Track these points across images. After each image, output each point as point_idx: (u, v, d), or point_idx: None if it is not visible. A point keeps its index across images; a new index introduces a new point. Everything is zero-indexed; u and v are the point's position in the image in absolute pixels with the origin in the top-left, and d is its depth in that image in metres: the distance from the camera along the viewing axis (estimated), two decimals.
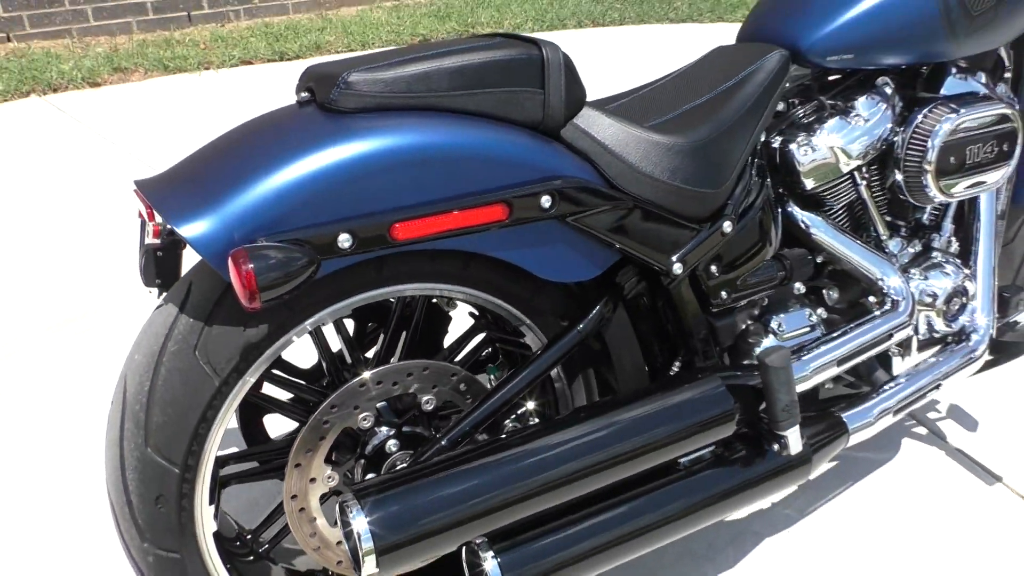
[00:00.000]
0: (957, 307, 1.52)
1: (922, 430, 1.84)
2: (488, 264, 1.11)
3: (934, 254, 1.54)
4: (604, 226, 1.13)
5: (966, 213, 1.63)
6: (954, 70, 1.50)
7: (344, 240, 0.95)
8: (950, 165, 1.39)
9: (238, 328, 0.99)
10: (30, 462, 1.75)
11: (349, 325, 1.37)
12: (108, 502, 1.03)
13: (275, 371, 1.18)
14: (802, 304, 1.43)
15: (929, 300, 1.49)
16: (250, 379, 1.02)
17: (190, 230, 0.90)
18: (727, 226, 1.23)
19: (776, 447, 1.21)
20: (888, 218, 1.53)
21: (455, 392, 1.18)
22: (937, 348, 1.56)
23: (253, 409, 1.35)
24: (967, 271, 1.57)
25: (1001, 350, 1.66)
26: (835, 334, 1.37)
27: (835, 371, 1.34)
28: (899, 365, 1.51)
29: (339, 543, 1.17)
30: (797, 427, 1.20)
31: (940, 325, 1.52)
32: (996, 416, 1.87)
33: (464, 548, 1.06)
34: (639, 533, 1.14)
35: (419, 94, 1.02)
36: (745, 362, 1.33)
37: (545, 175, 1.06)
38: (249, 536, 1.22)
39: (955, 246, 1.60)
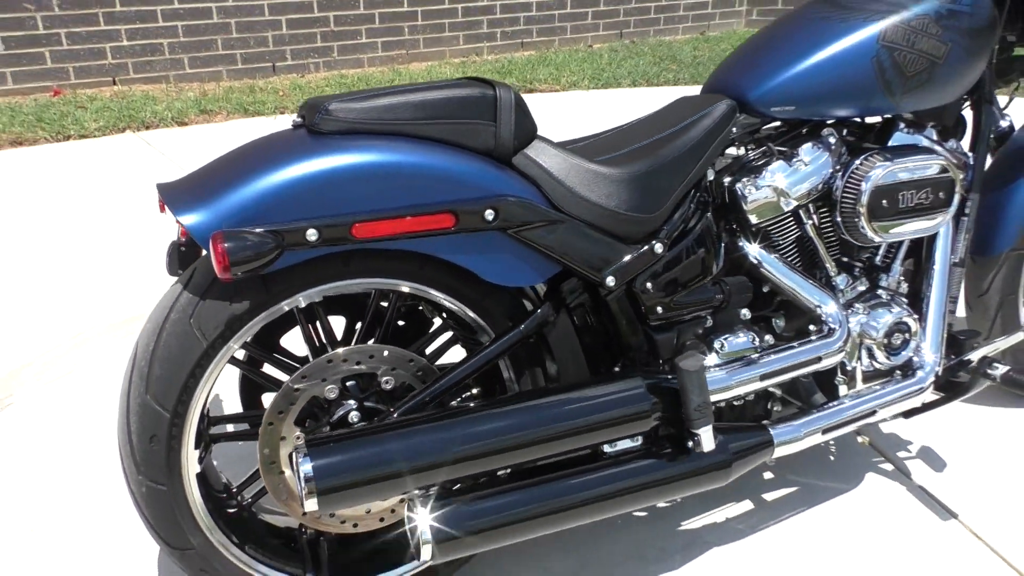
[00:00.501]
0: (900, 342, 1.64)
1: (888, 466, 1.93)
2: (443, 267, 1.31)
3: (880, 292, 1.67)
4: (544, 240, 1.32)
5: (922, 259, 1.75)
6: (902, 124, 1.65)
7: (311, 234, 1.17)
8: (882, 209, 1.53)
9: (225, 304, 1.22)
10: (105, 443, 2.01)
11: (340, 321, 1.58)
12: (116, 443, 1.26)
13: (274, 354, 1.41)
14: (748, 328, 1.58)
15: (869, 333, 1.62)
16: (233, 345, 1.24)
17: (187, 219, 1.14)
18: (658, 247, 1.41)
19: (691, 444, 1.36)
20: (838, 256, 1.67)
21: (412, 376, 1.37)
22: (881, 379, 1.67)
23: (253, 386, 1.57)
24: (914, 311, 1.69)
25: (953, 389, 1.75)
26: (763, 351, 1.51)
27: (759, 385, 1.48)
28: (841, 391, 1.64)
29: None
30: (710, 427, 1.34)
31: (881, 358, 1.63)
32: (963, 458, 1.94)
33: (406, 505, 1.25)
34: (561, 509, 1.30)
35: (387, 121, 1.25)
36: (667, 367, 1.48)
37: (491, 193, 1.27)
38: (235, 490, 1.43)
39: (905, 287, 1.72)
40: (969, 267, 2.00)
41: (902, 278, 1.72)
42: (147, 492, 1.26)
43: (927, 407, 1.74)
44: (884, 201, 1.53)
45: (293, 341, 1.55)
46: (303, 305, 1.29)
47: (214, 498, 1.37)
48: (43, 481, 1.83)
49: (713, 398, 1.44)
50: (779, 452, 1.50)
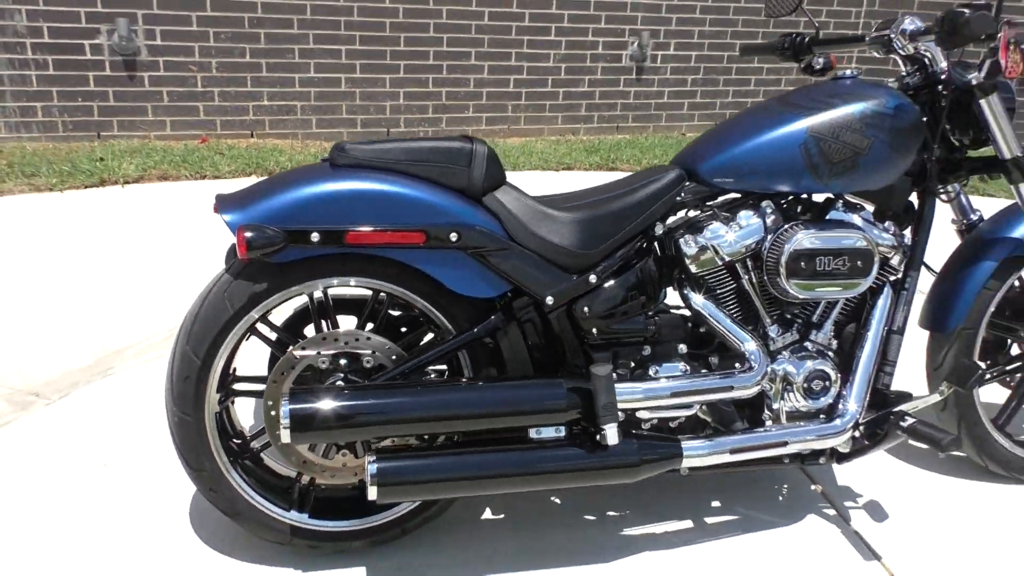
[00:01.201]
0: (819, 388, 1.88)
1: (831, 511, 2.12)
2: (419, 275, 1.69)
3: (808, 344, 1.92)
4: (497, 262, 1.68)
5: (860, 324, 1.98)
6: (839, 203, 1.92)
7: (314, 236, 1.58)
8: (800, 270, 1.80)
9: (250, 284, 1.64)
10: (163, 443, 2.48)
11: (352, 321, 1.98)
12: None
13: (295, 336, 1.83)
14: (683, 360, 1.87)
15: (790, 377, 1.87)
16: (254, 315, 1.65)
17: (225, 216, 1.58)
18: (592, 279, 1.74)
19: (598, 438, 1.66)
20: (777, 311, 1.93)
21: (387, 359, 1.75)
22: (804, 420, 1.90)
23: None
24: (843, 366, 1.93)
25: (872, 439, 1.95)
26: (680, 375, 1.80)
27: (671, 401, 1.76)
28: (760, 422, 1.89)
29: None
30: (615, 425, 1.64)
31: (801, 400, 1.88)
32: (905, 511, 2.11)
33: (366, 457, 1.61)
34: (486, 477, 1.63)
35: (385, 160, 1.66)
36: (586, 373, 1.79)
37: (457, 220, 1.65)
38: (248, 437, 1.83)
39: (835, 344, 1.96)
40: (928, 342, 2.20)
41: (834, 336, 1.96)
42: (178, 421, 1.68)
43: (853, 454, 1.95)
44: (802, 263, 1.80)
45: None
46: (317, 294, 1.70)
47: (229, 439, 1.78)
48: (134, 432, 2.30)
49: (631, 407, 1.74)
50: (689, 463, 1.77)
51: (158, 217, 4.01)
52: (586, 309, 1.77)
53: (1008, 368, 2.27)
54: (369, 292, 1.78)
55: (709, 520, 2.06)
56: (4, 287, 3.13)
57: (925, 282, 2.23)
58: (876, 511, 2.13)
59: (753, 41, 1.88)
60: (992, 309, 2.13)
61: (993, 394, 2.43)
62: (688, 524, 2.04)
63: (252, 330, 1.73)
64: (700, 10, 6.12)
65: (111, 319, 2.94)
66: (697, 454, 1.77)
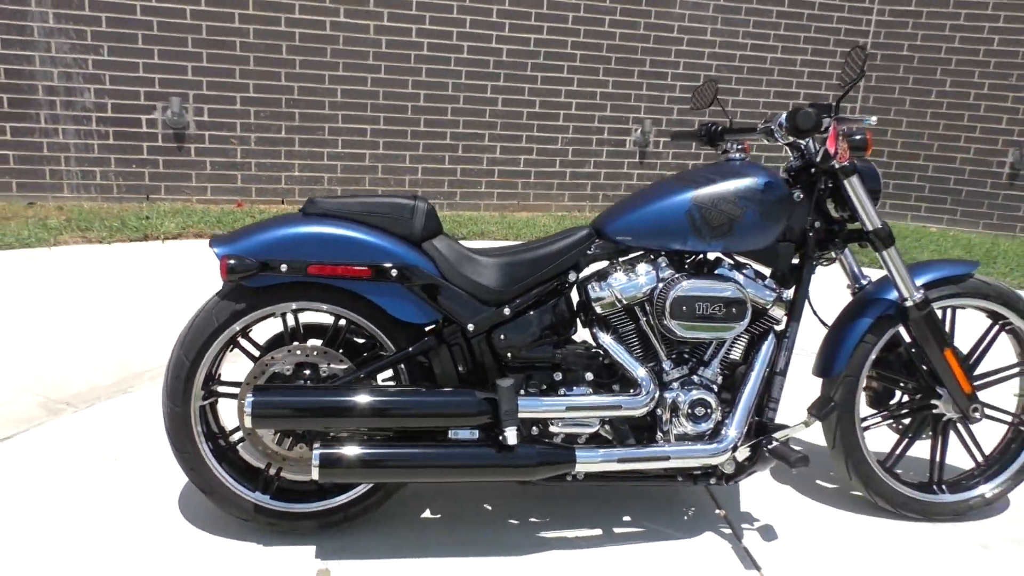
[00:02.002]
0: (701, 414, 2.23)
1: (728, 530, 2.43)
2: (368, 303, 2.12)
3: (695, 377, 2.28)
4: (429, 294, 2.11)
5: (747, 363, 2.34)
6: (726, 261, 2.32)
7: (283, 267, 2.03)
8: (681, 313, 2.19)
9: (231, 304, 2.08)
10: None
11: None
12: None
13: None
14: (588, 385, 2.25)
15: (676, 403, 2.23)
16: (236, 328, 2.09)
17: (215, 248, 2.04)
18: (506, 311, 2.15)
19: (501, 438, 2.04)
20: (675, 349, 2.30)
21: (339, 369, 2.16)
22: (690, 441, 2.25)
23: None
24: (727, 399, 2.28)
25: (752, 460, 2.28)
26: (576, 394, 2.18)
27: (566, 415, 2.14)
28: (652, 441, 2.24)
29: None
30: (514, 428, 2.02)
31: (685, 424, 2.23)
32: (792, 534, 2.42)
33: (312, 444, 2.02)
34: (409, 467, 2.02)
35: (345, 211, 2.12)
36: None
37: (398, 260, 2.08)
38: (228, 431, 2.25)
39: (721, 379, 2.32)
40: (821, 387, 2.54)
41: (723, 374, 2.32)
42: (169, 411, 2.10)
43: (737, 475, 2.28)
44: (683, 307, 2.18)
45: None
46: (280, 314, 2.13)
47: (211, 430, 2.19)
48: (142, 437, 2.73)
49: (532, 416, 2.13)
50: (582, 468, 2.13)
51: (189, 268, 4.53)
52: (502, 336, 2.17)
53: (895, 414, 2.59)
54: (332, 319, 2.21)
55: (617, 530, 2.39)
56: (51, 317, 3.64)
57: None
58: (768, 532, 2.44)
59: (683, 129, 2.24)
60: (871, 360, 2.46)
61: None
62: (598, 532, 2.38)
63: (235, 343, 2.17)
64: None
65: (137, 347, 3.42)
66: (588, 461, 2.14)
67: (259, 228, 2.09)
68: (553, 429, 2.22)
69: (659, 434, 2.27)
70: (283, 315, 2.18)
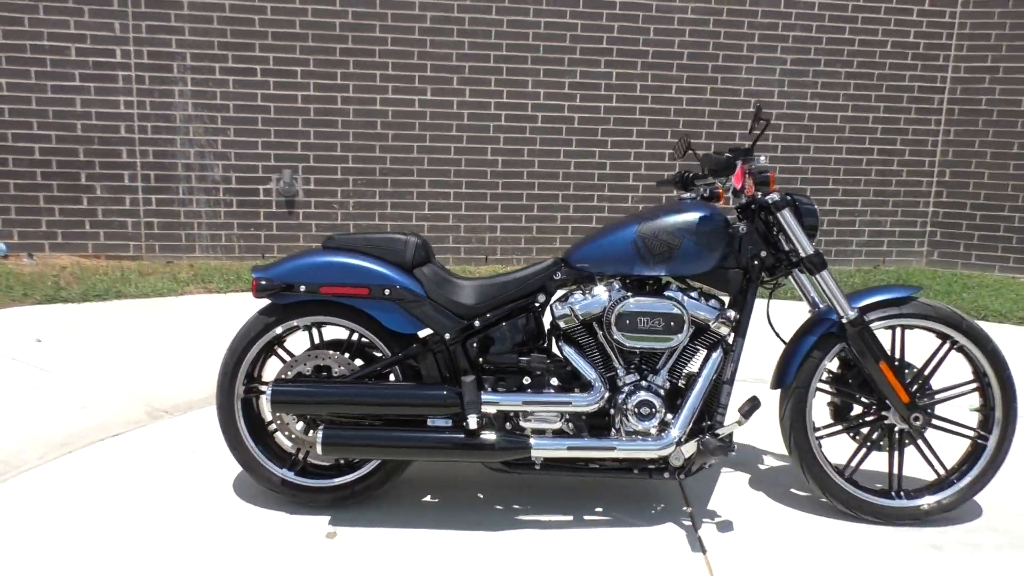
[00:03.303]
0: (646, 413, 2.61)
1: (688, 522, 2.76)
2: (368, 317, 2.67)
3: (644, 382, 2.66)
4: (416, 310, 2.63)
5: (696, 372, 2.71)
6: (673, 284, 2.71)
7: (301, 287, 2.62)
8: (626, 326, 2.60)
9: (264, 317, 2.68)
10: None
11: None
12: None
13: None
14: (552, 388, 2.68)
15: (624, 404, 2.61)
16: (267, 337, 2.68)
17: (254, 274, 2.65)
18: (477, 323, 2.63)
19: (464, 423, 2.51)
20: (625, 359, 2.70)
21: (347, 370, 2.70)
22: (638, 436, 2.62)
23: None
24: (669, 400, 2.64)
25: (706, 454, 2.60)
26: (533, 390, 2.61)
27: (523, 408, 2.57)
28: (604, 434, 2.63)
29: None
30: (476, 416, 2.49)
31: (631, 421, 2.61)
32: (748, 528, 2.72)
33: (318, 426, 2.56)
34: (394, 447, 2.53)
35: (354, 245, 2.69)
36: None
37: (391, 282, 2.62)
38: (266, 421, 2.82)
39: (668, 385, 2.68)
40: (778, 398, 2.84)
41: (670, 380, 2.69)
42: (220, 403, 2.70)
43: (684, 468, 2.62)
44: (627, 321, 2.60)
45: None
46: (302, 325, 2.71)
47: (252, 419, 2.77)
48: (216, 437, 3.36)
49: (496, 409, 2.57)
50: (536, 453, 2.56)
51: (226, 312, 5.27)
52: (474, 344, 2.66)
53: (852, 425, 2.85)
54: (347, 333, 2.77)
55: (587, 517, 2.77)
56: (164, 348, 4.42)
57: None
58: (725, 526, 2.73)
59: (665, 178, 2.62)
60: (820, 373, 2.76)
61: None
62: (570, 518, 2.76)
63: (271, 349, 2.76)
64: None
65: None
66: (541, 447, 2.56)
67: (288, 258, 2.70)
68: (522, 424, 2.65)
69: (612, 431, 2.66)
70: (309, 328, 2.76)
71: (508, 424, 2.67)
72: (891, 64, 7.07)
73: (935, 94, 7.15)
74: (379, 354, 2.80)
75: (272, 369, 2.82)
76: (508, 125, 6.77)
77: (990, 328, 5.45)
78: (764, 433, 3.44)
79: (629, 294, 2.65)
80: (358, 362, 2.79)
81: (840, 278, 6.71)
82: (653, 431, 2.63)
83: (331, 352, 2.73)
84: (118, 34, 6.22)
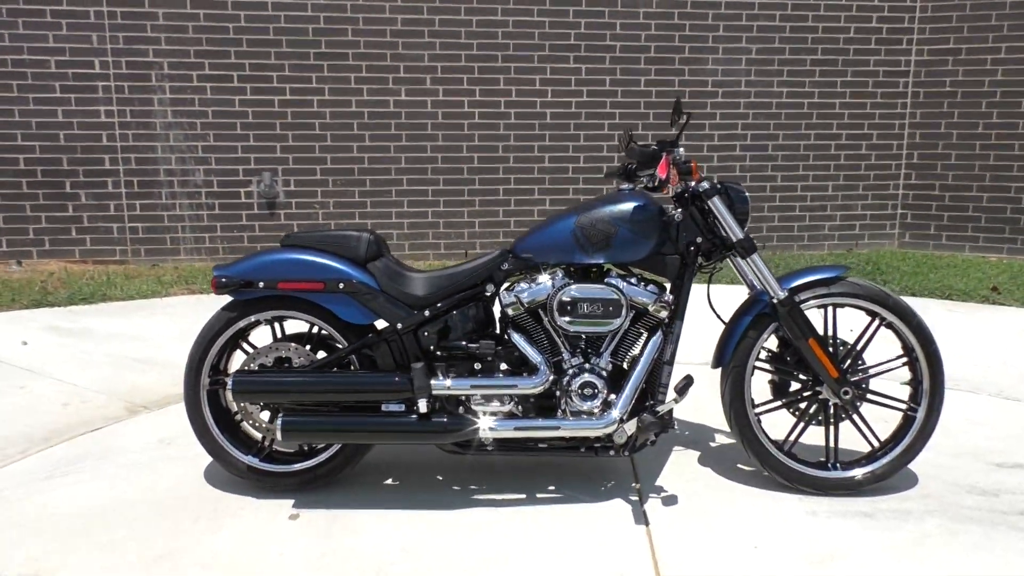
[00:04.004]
0: (588, 394, 2.75)
1: (635, 497, 2.91)
2: (324, 310, 2.82)
3: (587, 365, 2.81)
4: (369, 302, 2.78)
5: (637, 354, 2.86)
6: (613, 270, 2.86)
7: (260, 283, 2.76)
8: (567, 311, 2.75)
9: (227, 313, 2.83)
10: None
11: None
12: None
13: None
14: (502, 372, 2.83)
15: (568, 385, 2.76)
16: (230, 332, 2.83)
17: (214, 272, 2.80)
18: (427, 313, 2.79)
19: (416, 406, 2.66)
20: (570, 343, 2.85)
21: (306, 361, 2.85)
22: (582, 415, 2.77)
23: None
24: (616, 382, 2.79)
25: (645, 430, 2.74)
26: (485, 375, 2.76)
27: (469, 392, 2.72)
28: (550, 414, 2.78)
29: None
30: (425, 400, 2.65)
31: (575, 402, 2.76)
32: (692, 503, 2.88)
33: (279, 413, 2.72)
34: (350, 431, 2.69)
35: (310, 242, 2.84)
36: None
37: (345, 276, 2.77)
38: (233, 411, 2.97)
39: (611, 367, 2.83)
40: (719, 377, 2.99)
41: (613, 362, 2.84)
42: (187, 394, 2.85)
43: (628, 446, 2.77)
44: (568, 307, 2.75)
45: None
46: (263, 318, 2.86)
47: (219, 409, 2.92)
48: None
49: (445, 393, 2.72)
50: (485, 435, 2.71)
51: None
52: (425, 333, 2.81)
53: (789, 401, 3.00)
54: (307, 327, 2.92)
55: (539, 495, 2.92)
56: (146, 346, 4.57)
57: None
58: (670, 500, 2.87)
59: (611, 168, 2.76)
60: (757, 352, 2.91)
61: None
62: (522, 496, 2.92)
63: (236, 343, 2.91)
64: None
65: None
66: (488, 427, 2.71)
67: (248, 257, 2.85)
68: (474, 407, 2.80)
69: (559, 412, 2.81)
70: (271, 322, 2.91)
71: (461, 408, 2.82)
72: (855, 50, 7.21)
73: (900, 78, 7.29)
74: (340, 346, 2.95)
75: (239, 362, 2.97)
76: (482, 123, 6.92)
77: (953, 307, 5.62)
78: (717, 412, 3.59)
79: (571, 281, 2.80)
80: (321, 354, 2.94)
81: (812, 262, 6.86)
82: (596, 411, 2.78)
83: (292, 344, 2.88)
84: (96, 46, 6.36)
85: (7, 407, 3.73)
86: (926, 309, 5.53)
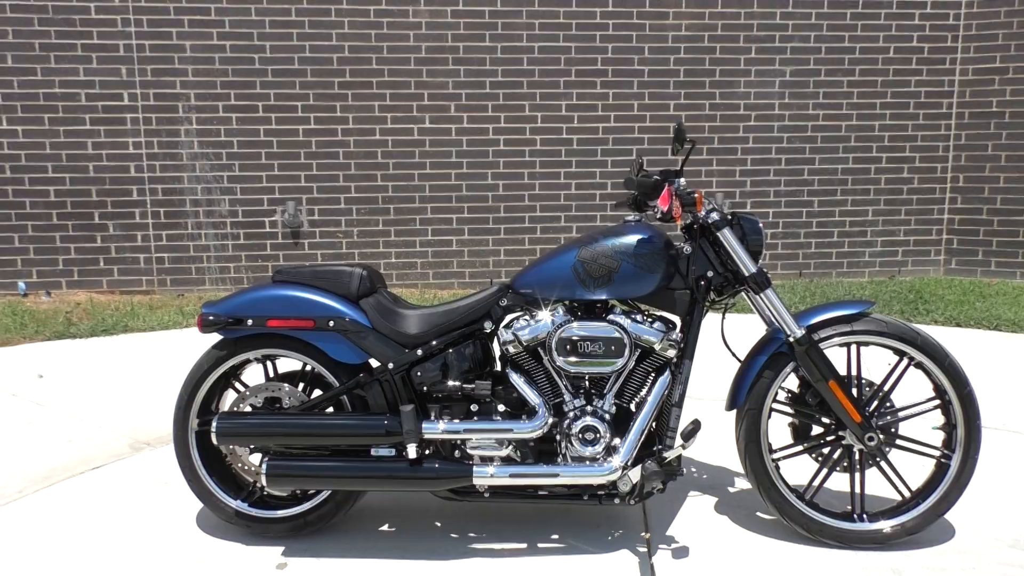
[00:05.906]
0: (590, 439, 2.59)
1: (643, 548, 2.73)
2: (315, 348, 2.71)
3: (589, 407, 2.64)
4: (360, 341, 2.66)
5: (644, 395, 2.68)
6: (617, 307, 2.70)
7: (249, 321, 2.66)
8: (566, 351, 2.59)
9: (216, 352, 2.74)
10: None
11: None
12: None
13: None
14: (500, 415, 2.68)
15: (568, 429, 2.60)
16: (220, 371, 2.74)
17: (203, 309, 2.71)
18: (419, 352, 2.65)
19: (405, 452, 2.52)
20: (572, 383, 2.69)
21: (298, 401, 2.74)
22: (584, 462, 2.60)
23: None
24: (613, 423, 2.61)
25: (651, 479, 2.56)
26: (481, 418, 2.61)
27: (465, 436, 2.57)
28: (550, 459, 2.62)
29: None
30: (415, 445, 2.50)
31: (576, 447, 2.59)
32: (703, 556, 2.68)
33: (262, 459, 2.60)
34: (337, 477, 2.55)
35: (300, 278, 2.73)
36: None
37: (336, 313, 2.66)
38: (222, 453, 2.87)
39: (614, 410, 2.66)
40: (734, 420, 2.80)
41: (617, 404, 2.67)
42: (176, 435, 2.76)
43: (634, 494, 2.59)
44: (567, 346, 2.59)
45: None
46: (252, 358, 2.76)
47: (208, 451, 2.82)
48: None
49: (437, 437, 2.58)
50: (479, 481, 2.55)
51: None
52: (418, 373, 2.68)
53: (811, 446, 2.79)
54: (300, 365, 2.81)
55: (541, 545, 2.75)
56: (155, 382, 4.52)
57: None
58: (680, 552, 2.69)
59: (621, 199, 2.62)
60: (774, 393, 2.72)
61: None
62: (524, 546, 2.75)
63: (228, 382, 2.81)
64: None
65: None
66: (484, 475, 2.56)
67: (238, 293, 2.75)
68: (469, 451, 2.65)
69: (559, 457, 2.64)
70: (263, 361, 2.80)
71: (456, 452, 2.68)
72: (895, 70, 6.96)
73: (943, 98, 7.01)
74: (334, 385, 2.83)
75: (230, 402, 2.87)
76: (507, 149, 6.82)
77: (1002, 339, 5.31)
78: (736, 455, 3.39)
79: (572, 319, 2.64)
80: (317, 393, 2.82)
81: (851, 290, 6.59)
82: (599, 457, 2.61)
83: (284, 384, 2.77)
84: (125, 78, 6.43)
85: (11, 443, 3.69)
86: (971, 340, 5.24)
